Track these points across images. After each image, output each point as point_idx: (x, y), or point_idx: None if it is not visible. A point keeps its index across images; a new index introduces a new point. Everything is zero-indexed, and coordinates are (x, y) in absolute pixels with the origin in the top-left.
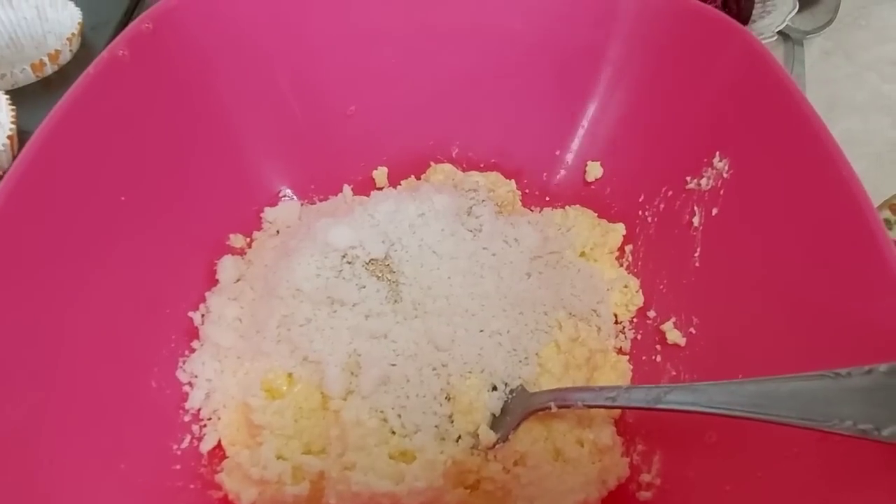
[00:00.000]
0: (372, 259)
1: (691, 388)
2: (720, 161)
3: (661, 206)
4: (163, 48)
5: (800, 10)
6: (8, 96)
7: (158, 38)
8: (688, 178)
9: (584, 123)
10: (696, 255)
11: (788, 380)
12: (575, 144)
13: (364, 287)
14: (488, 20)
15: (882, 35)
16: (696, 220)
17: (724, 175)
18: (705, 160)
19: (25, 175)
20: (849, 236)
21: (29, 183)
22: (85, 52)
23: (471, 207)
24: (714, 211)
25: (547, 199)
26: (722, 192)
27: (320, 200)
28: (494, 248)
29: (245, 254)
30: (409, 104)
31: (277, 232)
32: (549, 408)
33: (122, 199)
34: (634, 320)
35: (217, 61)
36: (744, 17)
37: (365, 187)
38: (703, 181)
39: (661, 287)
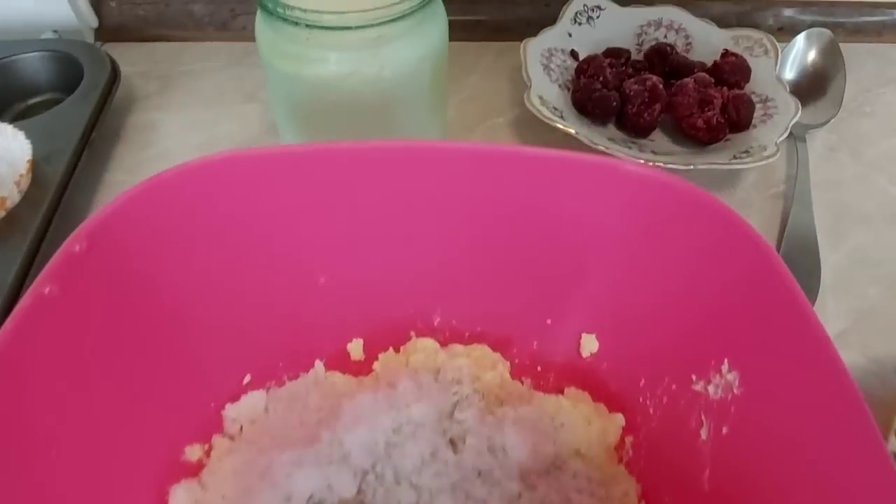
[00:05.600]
0: (342, 500)
1: None
2: (729, 372)
3: (665, 399)
4: (99, 267)
5: (803, 106)
6: None
7: (93, 257)
8: (693, 377)
9: (578, 295)
10: (706, 476)
11: None
12: (568, 315)
13: None
14: (472, 190)
15: (889, 126)
16: (703, 433)
17: (735, 391)
18: (713, 363)
19: None
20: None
21: None
22: (36, 190)
23: (454, 406)
24: (724, 429)
25: (539, 368)
26: (732, 409)
27: (289, 379)
28: (480, 463)
29: (202, 470)
30: (386, 272)
31: (241, 428)
32: None
33: (54, 453)
34: None
35: (162, 258)
36: (744, 123)
37: (339, 360)
38: (711, 388)
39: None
